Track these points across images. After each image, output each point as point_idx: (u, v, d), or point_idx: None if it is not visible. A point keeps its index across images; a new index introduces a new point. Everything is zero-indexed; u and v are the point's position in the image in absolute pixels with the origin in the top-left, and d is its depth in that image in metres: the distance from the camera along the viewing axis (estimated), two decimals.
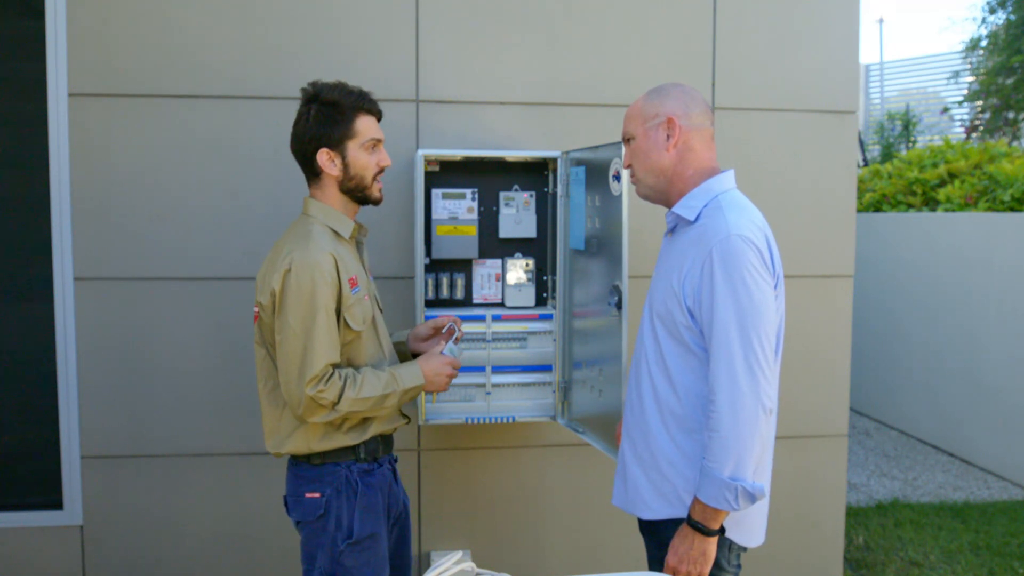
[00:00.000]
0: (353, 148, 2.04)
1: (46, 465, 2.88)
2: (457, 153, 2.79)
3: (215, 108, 2.85)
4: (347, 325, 2.00)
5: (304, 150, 2.05)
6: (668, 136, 1.90)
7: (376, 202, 2.12)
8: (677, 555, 1.81)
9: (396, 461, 2.24)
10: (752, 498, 1.74)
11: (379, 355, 2.13)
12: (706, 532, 1.79)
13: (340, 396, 1.94)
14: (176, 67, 2.82)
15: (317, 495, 2.02)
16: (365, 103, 2.06)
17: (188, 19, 2.82)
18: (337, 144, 2.03)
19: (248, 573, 2.96)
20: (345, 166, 2.04)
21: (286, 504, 2.10)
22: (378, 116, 2.11)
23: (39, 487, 2.92)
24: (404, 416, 2.21)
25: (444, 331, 2.30)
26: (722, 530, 1.82)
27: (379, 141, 2.08)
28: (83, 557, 2.91)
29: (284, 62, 2.85)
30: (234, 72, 2.84)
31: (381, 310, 2.23)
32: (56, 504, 2.89)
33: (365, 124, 2.05)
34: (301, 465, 2.06)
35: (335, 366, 1.98)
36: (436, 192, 2.80)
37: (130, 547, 2.91)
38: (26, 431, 2.97)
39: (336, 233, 2.06)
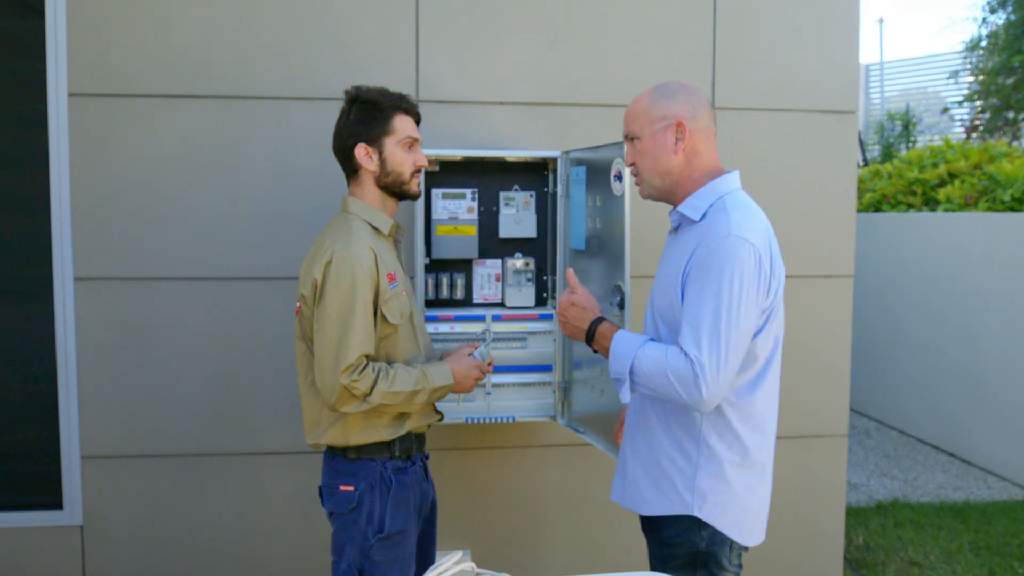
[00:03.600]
0: (390, 144, 2.12)
1: (46, 465, 2.89)
2: (457, 153, 2.79)
3: (215, 108, 2.85)
4: (384, 319, 2.05)
5: (343, 146, 2.14)
6: (677, 139, 1.89)
7: (414, 197, 2.20)
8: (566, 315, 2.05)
9: (428, 458, 2.28)
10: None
11: (415, 351, 2.18)
12: (588, 338, 2.01)
13: (372, 387, 1.99)
14: (176, 67, 2.82)
15: (351, 488, 2.07)
16: (403, 103, 2.16)
17: (188, 19, 2.82)
18: (375, 140, 2.12)
19: (248, 573, 2.96)
20: (382, 161, 2.13)
21: (321, 495, 2.15)
22: (416, 118, 2.20)
23: (39, 487, 2.92)
24: (437, 412, 2.27)
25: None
26: (714, 528, 1.85)
27: (416, 140, 2.17)
28: (83, 557, 2.90)
29: (284, 62, 2.85)
30: (234, 72, 2.85)
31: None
32: (56, 504, 2.89)
33: (402, 122, 2.15)
34: (337, 458, 2.12)
35: (369, 358, 2.02)
36: (436, 192, 2.80)
37: (130, 547, 2.91)
38: (26, 431, 2.96)
39: (375, 229, 2.12)
